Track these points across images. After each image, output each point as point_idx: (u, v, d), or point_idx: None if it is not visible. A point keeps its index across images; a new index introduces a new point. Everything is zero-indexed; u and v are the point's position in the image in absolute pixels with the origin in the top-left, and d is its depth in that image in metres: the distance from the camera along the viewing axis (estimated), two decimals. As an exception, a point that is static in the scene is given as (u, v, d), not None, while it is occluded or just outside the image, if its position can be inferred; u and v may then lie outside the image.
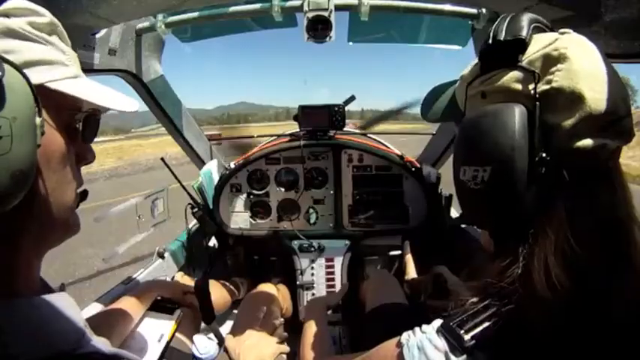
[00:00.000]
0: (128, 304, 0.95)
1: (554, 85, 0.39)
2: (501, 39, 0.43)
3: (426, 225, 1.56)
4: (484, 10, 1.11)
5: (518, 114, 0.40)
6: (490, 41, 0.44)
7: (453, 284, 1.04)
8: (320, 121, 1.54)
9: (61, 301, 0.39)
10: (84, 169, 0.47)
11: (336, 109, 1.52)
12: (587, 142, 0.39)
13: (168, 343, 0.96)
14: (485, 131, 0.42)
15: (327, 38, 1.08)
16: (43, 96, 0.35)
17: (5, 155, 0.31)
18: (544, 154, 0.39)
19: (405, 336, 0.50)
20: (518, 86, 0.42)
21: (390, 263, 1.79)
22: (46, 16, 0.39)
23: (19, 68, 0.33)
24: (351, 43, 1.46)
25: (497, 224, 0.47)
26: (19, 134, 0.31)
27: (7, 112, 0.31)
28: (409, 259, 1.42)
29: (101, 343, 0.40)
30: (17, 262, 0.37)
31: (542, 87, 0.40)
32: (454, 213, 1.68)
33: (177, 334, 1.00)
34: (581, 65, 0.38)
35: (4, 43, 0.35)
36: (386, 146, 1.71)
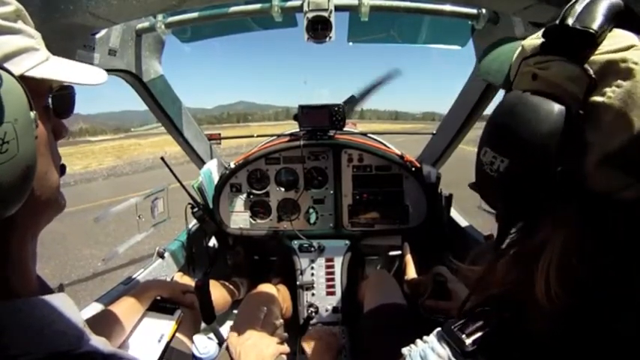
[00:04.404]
0: (127, 304, 0.95)
1: (606, 100, 0.34)
2: (569, 24, 0.36)
3: (425, 225, 1.56)
4: (484, 11, 1.11)
5: (556, 116, 0.36)
6: (558, 22, 0.38)
7: (452, 284, 1.04)
8: (320, 121, 1.54)
9: (60, 301, 0.39)
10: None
11: (336, 109, 1.52)
12: (616, 174, 0.34)
13: (168, 343, 0.96)
14: (518, 122, 0.39)
15: (327, 38, 1.08)
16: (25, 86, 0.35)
17: (15, 157, 0.32)
18: (567, 168, 0.36)
19: (407, 348, 0.50)
20: (570, 85, 0.37)
21: (390, 263, 1.80)
22: (11, 4, 0.38)
23: (7, 69, 0.32)
24: (350, 44, 1.46)
25: (503, 216, 0.45)
26: (21, 134, 0.33)
27: (9, 116, 0.31)
28: (409, 259, 1.42)
29: (100, 343, 0.40)
30: (9, 250, 0.37)
31: (594, 97, 0.35)
32: (454, 213, 1.68)
33: (178, 334, 1.01)
34: None
35: None
36: (386, 146, 1.71)
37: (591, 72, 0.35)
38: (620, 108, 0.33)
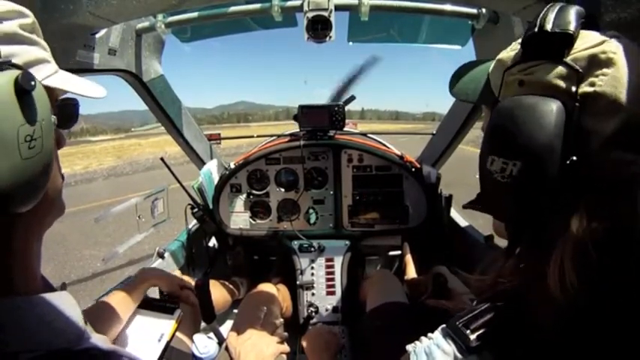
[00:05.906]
0: (124, 293, 0.96)
1: (597, 89, 0.37)
2: (548, 30, 0.40)
3: (425, 225, 1.56)
4: (484, 10, 1.11)
5: (556, 112, 0.38)
6: (536, 30, 0.41)
7: (453, 284, 1.04)
8: (320, 121, 1.54)
9: (62, 300, 0.39)
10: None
11: (336, 108, 1.52)
12: (619, 154, 0.37)
13: (168, 343, 0.96)
14: (520, 124, 0.40)
15: (327, 38, 1.08)
16: None
17: (39, 154, 0.35)
18: (575, 158, 0.38)
19: (411, 344, 0.50)
20: (560, 83, 0.40)
21: (390, 263, 1.80)
22: (30, 17, 0.40)
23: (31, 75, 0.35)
24: (351, 43, 1.46)
25: (518, 221, 0.45)
26: (45, 133, 0.36)
27: (39, 116, 0.35)
28: (409, 259, 1.42)
29: (100, 341, 0.40)
30: (14, 251, 0.37)
31: (585, 88, 0.38)
32: (454, 213, 1.68)
33: (178, 334, 1.01)
34: (628, 75, 0.37)
35: (2, 49, 0.36)
36: (386, 146, 1.71)
37: (578, 67, 0.39)
38: (611, 93, 0.37)
